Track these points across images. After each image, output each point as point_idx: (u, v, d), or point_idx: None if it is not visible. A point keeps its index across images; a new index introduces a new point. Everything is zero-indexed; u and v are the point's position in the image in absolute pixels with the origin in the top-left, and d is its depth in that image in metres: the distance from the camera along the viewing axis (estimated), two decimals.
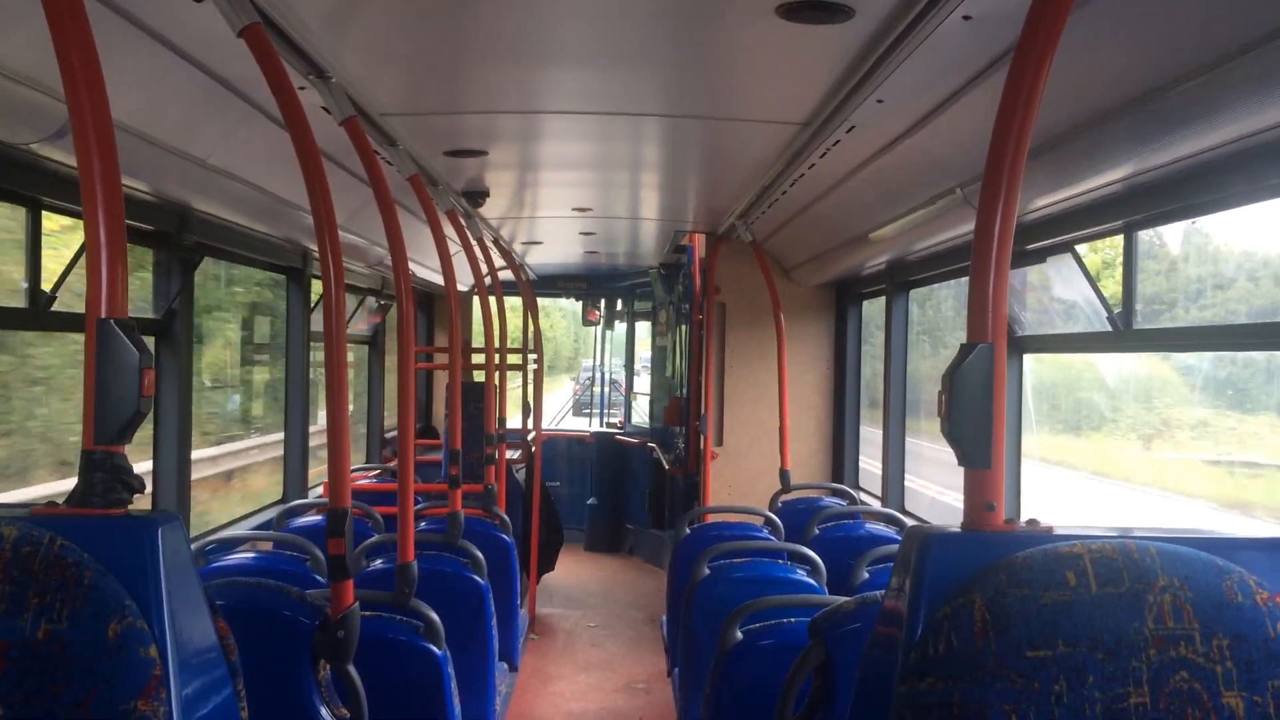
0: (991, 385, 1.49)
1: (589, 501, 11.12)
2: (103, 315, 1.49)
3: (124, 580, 1.39)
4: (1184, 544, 1.41)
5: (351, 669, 2.60)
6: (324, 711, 2.58)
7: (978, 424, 1.49)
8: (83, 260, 3.56)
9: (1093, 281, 3.72)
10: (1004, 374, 1.51)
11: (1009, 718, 1.30)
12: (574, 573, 9.89)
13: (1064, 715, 1.30)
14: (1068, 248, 3.82)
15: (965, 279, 5.10)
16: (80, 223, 3.39)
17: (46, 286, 3.42)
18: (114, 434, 1.49)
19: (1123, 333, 3.50)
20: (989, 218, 1.52)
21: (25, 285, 3.37)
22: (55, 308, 3.44)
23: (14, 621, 1.35)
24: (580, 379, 13.68)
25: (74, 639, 1.35)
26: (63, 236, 3.60)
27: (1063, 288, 4.31)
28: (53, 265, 3.47)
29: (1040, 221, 3.72)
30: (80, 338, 2.42)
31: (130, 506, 1.55)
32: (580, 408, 13.68)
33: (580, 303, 11.85)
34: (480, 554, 4.59)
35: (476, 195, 5.46)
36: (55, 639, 1.35)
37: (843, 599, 2.56)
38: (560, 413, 13.99)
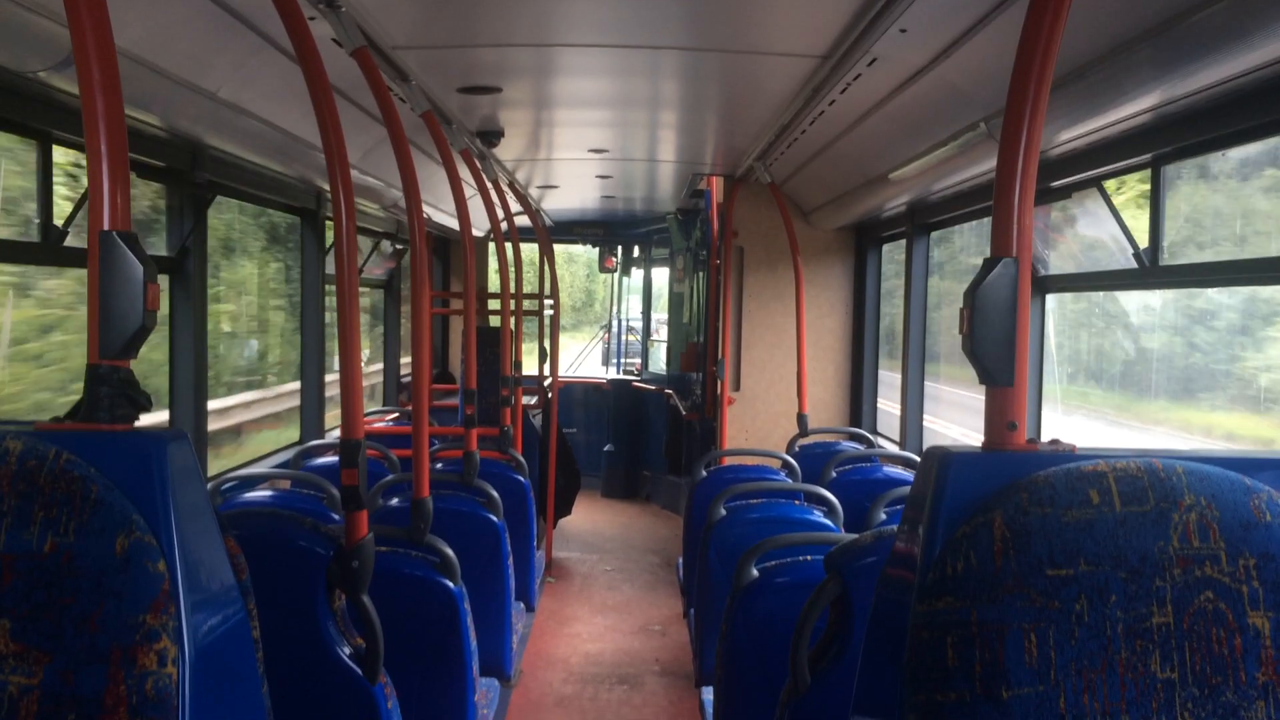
0: (1015, 301, 1.45)
1: (606, 448, 11.15)
2: (105, 227, 1.47)
3: (131, 495, 1.38)
4: (1211, 463, 1.38)
5: (366, 599, 2.60)
6: (340, 641, 2.60)
7: (1000, 341, 1.45)
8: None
9: (1119, 218, 3.64)
10: (1028, 290, 1.47)
11: (1028, 636, 1.27)
12: (591, 518, 9.94)
13: (1084, 634, 1.27)
14: (1094, 184, 3.74)
15: (986, 219, 5.03)
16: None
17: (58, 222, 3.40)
18: (119, 348, 1.47)
19: (1149, 269, 3.43)
20: (1014, 132, 1.47)
21: (37, 220, 3.35)
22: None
23: (20, 535, 1.34)
24: (611, 329, 13.58)
25: (81, 553, 1.34)
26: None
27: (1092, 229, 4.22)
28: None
29: (1066, 157, 3.64)
30: None
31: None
32: (608, 357, 13.62)
33: (597, 249, 11.79)
34: (496, 494, 4.61)
35: (491, 135, 5.40)
36: (62, 552, 1.34)
37: (858, 535, 2.54)
38: (579, 358, 13.98)
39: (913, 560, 1.41)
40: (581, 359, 14.13)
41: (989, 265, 1.45)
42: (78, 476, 1.37)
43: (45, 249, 3.40)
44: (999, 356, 1.45)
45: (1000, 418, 1.46)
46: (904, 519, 1.51)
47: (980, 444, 1.51)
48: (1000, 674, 1.27)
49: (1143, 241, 3.48)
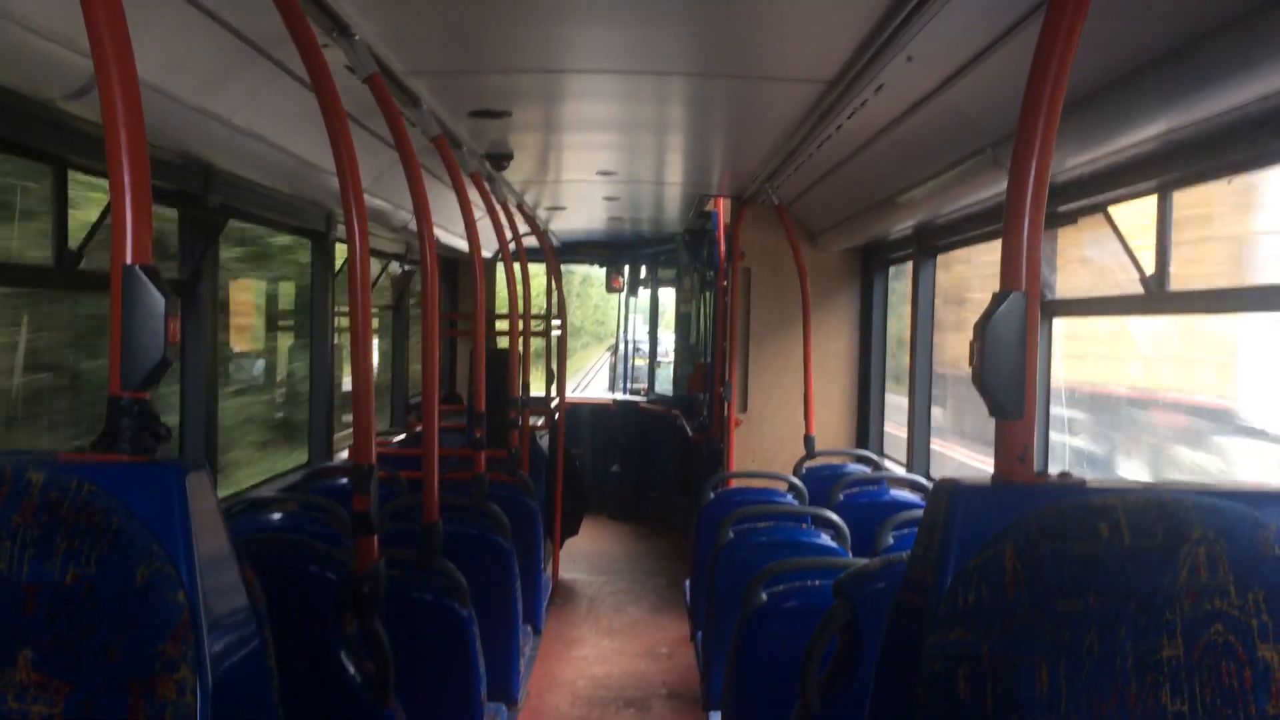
0: (1024, 334, 1.46)
1: (612, 469, 11.14)
2: (128, 262, 1.49)
3: (151, 526, 1.40)
4: (1219, 497, 1.39)
5: (378, 624, 2.61)
6: (350, 666, 2.60)
7: (1009, 374, 1.47)
8: (109, 220, 3.58)
9: (1125, 243, 3.66)
10: (1036, 323, 1.48)
11: (1039, 669, 1.28)
12: (597, 539, 9.93)
13: (1095, 667, 1.28)
14: (1100, 209, 3.75)
15: (991, 242, 5.05)
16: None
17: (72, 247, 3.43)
18: (140, 380, 1.49)
19: (1156, 295, 3.44)
20: (1024, 163, 1.49)
21: (52, 244, 3.38)
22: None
23: (42, 565, 1.35)
24: (618, 350, 13.52)
25: (102, 583, 1.35)
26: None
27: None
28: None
29: (1072, 182, 3.65)
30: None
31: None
32: (616, 380, 13.58)
33: (604, 269, 11.81)
34: (505, 517, 4.61)
35: (500, 158, 5.44)
36: (83, 583, 1.35)
37: (868, 560, 2.55)
38: (586, 378, 13.95)
39: (924, 591, 1.42)
40: (592, 375, 14.11)
41: (998, 299, 1.47)
42: (99, 508, 1.38)
43: (60, 274, 3.43)
44: (1009, 389, 1.47)
45: (1010, 450, 1.48)
46: (915, 549, 1.53)
47: (989, 474, 1.52)
48: (1012, 706, 1.28)
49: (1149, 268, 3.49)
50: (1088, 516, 1.34)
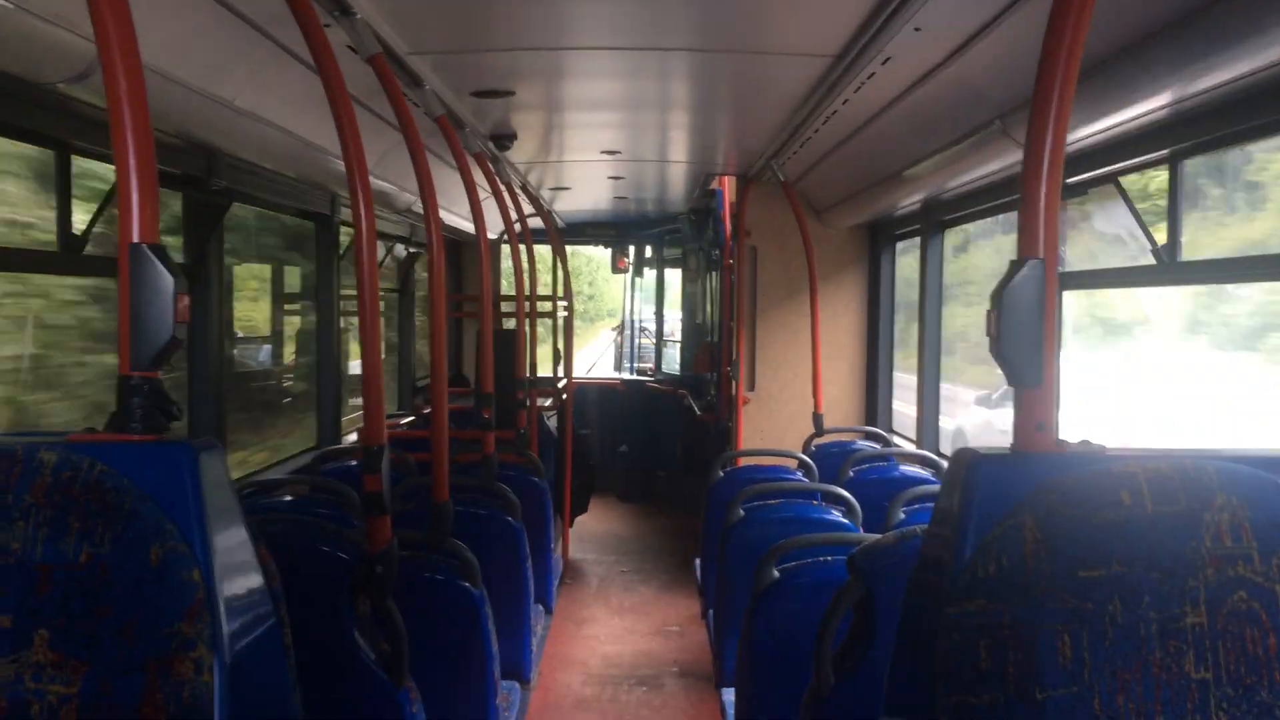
0: (1042, 302, 1.45)
1: (620, 449, 11.15)
2: (134, 240, 1.48)
3: (164, 505, 1.39)
4: (1242, 462, 1.37)
5: (391, 604, 2.61)
6: (364, 647, 2.60)
7: (1028, 342, 1.45)
8: (111, 206, 3.57)
9: (1137, 214, 3.63)
10: (1054, 291, 1.47)
11: (1061, 638, 1.27)
12: (606, 519, 9.94)
13: (1118, 635, 1.27)
14: (1111, 179, 3.72)
15: (1001, 215, 5.02)
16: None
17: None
18: (150, 360, 1.48)
19: (1168, 265, 3.42)
20: (1040, 130, 1.47)
21: (56, 229, 3.37)
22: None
23: (56, 545, 1.35)
24: (624, 330, 13.48)
25: (116, 563, 1.35)
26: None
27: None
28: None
29: (1083, 153, 3.62)
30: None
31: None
32: (621, 361, 13.55)
33: (610, 250, 11.78)
34: (514, 496, 4.61)
35: (504, 138, 5.41)
36: (98, 563, 1.35)
37: (881, 535, 2.54)
38: (595, 362, 13.96)
39: (943, 562, 1.41)
40: (602, 355, 14.10)
41: (1016, 266, 1.45)
42: (111, 487, 1.38)
43: (65, 258, 3.42)
44: (1027, 357, 1.45)
45: (1029, 419, 1.46)
46: (933, 520, 1.51)
47: (1007, 444, 1.51)
48: (1034, 675, 1.27)
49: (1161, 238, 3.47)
50: (1108, 484, 1.33)
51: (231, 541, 1.47)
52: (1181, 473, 1.33)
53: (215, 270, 4.33)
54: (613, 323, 13.34)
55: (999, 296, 1.45)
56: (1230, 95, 2.78)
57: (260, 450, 5.69)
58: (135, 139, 1.51)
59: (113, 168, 3.39)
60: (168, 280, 1.48)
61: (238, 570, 1.47)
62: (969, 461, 1.42)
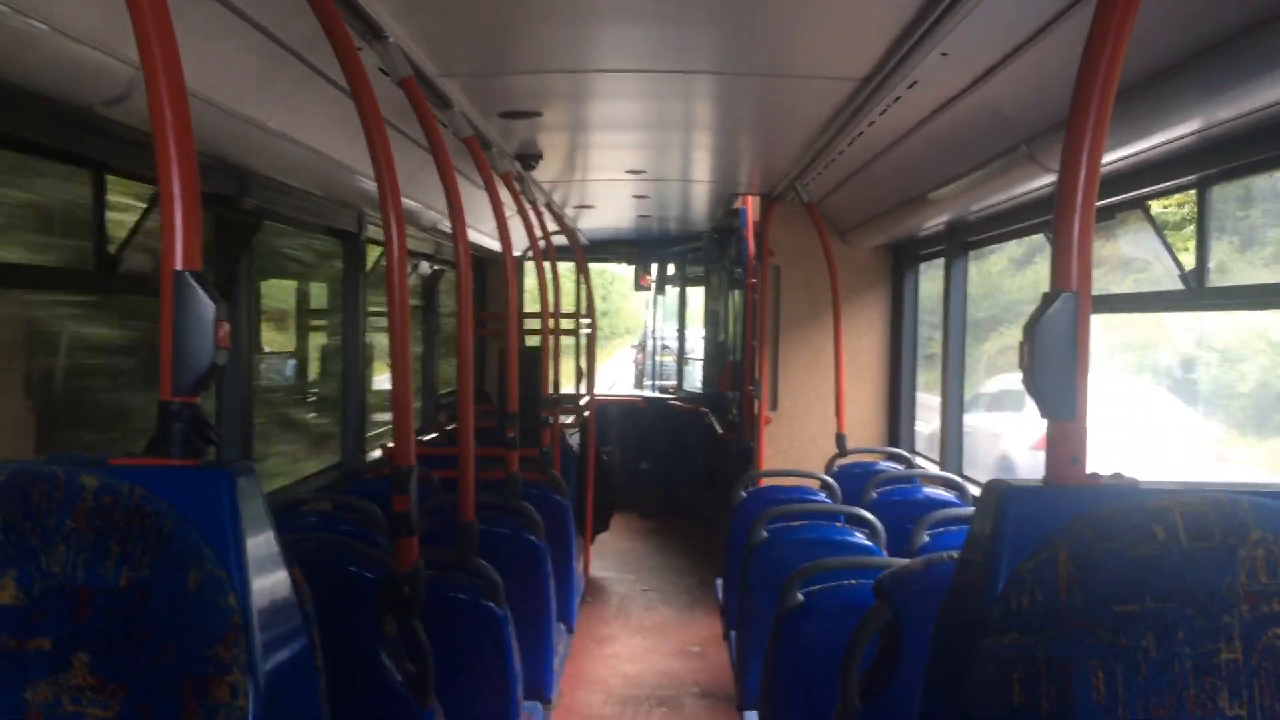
0: (1075, 335, 1.45)
1: (642, 466, 11.14)
2: (178, 267, 1.50)
3: (202, 529, 1.41)
4: (1276, 497, 1.37)
5: (417, 624, 2.62)
6: (390, 666, 2.62)
7: (1061, 375, 1.45)
8: (146, 225, 3.62)
9: (1164, 239, 3.62)
10: (1088, 323, 1.47)
11: (1095, 673, 1.27)
12: (627, 537, 9.93)
13: (1152, 671, 1.27)
14: (1139, 204, 3.71)
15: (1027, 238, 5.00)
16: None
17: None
18: (190, 386, 1.51)
19: (1196, 291, 3.40)
20: (1074, 161, 1.47)
21: (91, 249, 3.42)
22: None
23: (97, 569, 1.37)
24: (644, 346, 13.49)
25: (155, 587, 1.37)
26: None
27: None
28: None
29: (1110, 178, 3.62)
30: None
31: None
32: (642, 378, 13.54)
33: (632, 268, 11.81)
34: (538, 516, 4.62)
35: (530, 158, 5.45)
36: (137, 587, 1.36)
37: (907, 560, 2.53)
38: (614, 381, 13.97)
39: (975, 594, 1.41)
40: (620, 373, 14.11)
41: (1049, 299, 1.45)
42: (151, 512, 1.40)
43: (99, 277, 3.47)
44: (1060, 391, 1.45)
45: (1062, 452, 1.46)
46: (964, 550, 1.51)
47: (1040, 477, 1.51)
48: (1068, 710, 1.27)
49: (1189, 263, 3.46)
50: (1143, 518, 1.33)
51: (266, 565, 1.48)
52: (1216, 507, 1.33)
53: (245, 290, 4.37)
54: (629, 340, 13.36)
55: (1032, 330, 1.46)
56: (1260, 122, 2.78)
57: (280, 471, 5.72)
58: (180, 167, 1.54)
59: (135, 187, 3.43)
60: (209, 307, 1.50)
61: (272, 594, 1.48)
62: (1002, 493, 1.43)
